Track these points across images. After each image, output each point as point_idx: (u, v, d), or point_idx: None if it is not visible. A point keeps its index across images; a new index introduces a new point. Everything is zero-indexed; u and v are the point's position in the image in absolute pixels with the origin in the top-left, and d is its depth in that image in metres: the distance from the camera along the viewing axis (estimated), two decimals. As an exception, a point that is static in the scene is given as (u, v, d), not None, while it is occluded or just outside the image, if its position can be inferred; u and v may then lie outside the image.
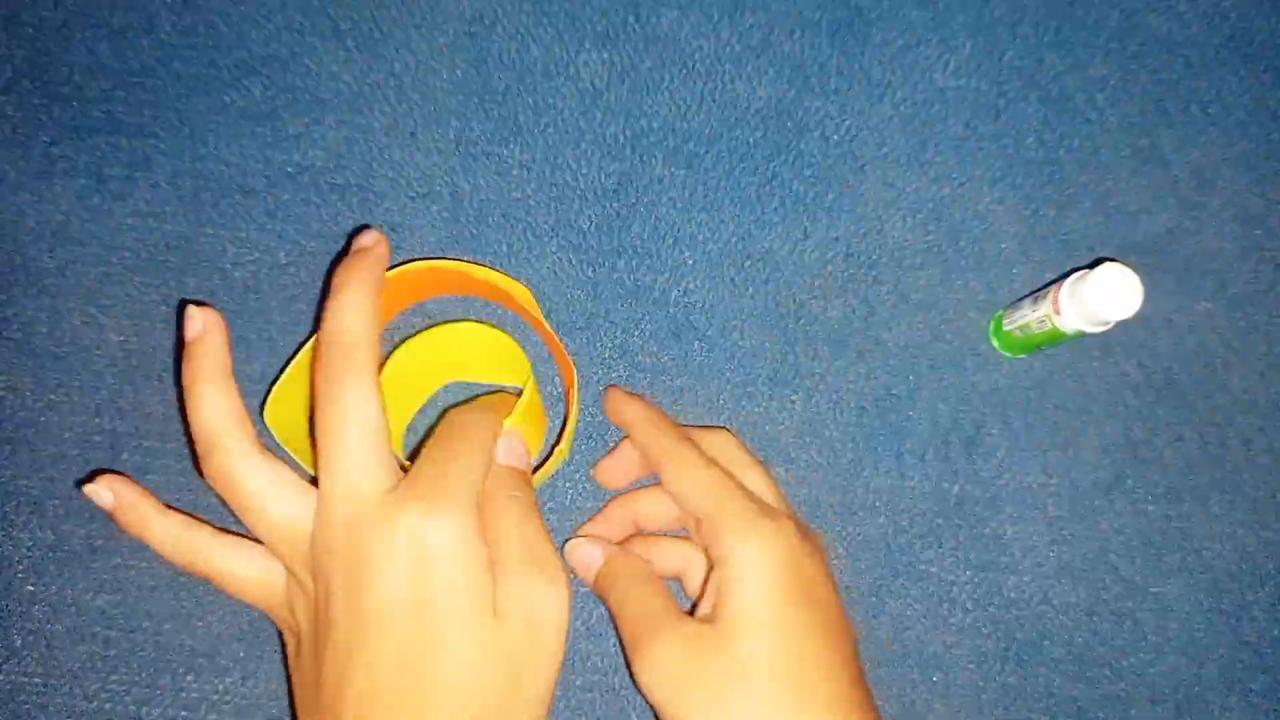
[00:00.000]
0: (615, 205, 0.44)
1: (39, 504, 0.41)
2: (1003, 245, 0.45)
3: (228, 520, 0.41)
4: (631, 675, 0.34)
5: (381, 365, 0.37)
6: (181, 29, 0.45)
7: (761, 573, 0.33)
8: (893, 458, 0.43)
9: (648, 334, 0.43)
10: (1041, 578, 0.43)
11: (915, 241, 0.45)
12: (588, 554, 0.38)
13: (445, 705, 0.28)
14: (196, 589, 0.40)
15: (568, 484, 0.42)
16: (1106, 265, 0.38)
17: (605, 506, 0.40)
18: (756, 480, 0.37)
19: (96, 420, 0.41)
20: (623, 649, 0.35)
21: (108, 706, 0.39)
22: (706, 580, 0.36)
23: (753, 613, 0.32)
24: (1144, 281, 0.38)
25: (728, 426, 0.42)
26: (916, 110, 0.46)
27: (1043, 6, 0.47)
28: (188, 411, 0.31)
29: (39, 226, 0.43)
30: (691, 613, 0.36)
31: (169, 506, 0.34)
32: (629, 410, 0.39)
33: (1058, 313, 0.39)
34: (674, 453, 0.36)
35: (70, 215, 0.43)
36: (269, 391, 0.36)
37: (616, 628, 0.36)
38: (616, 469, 0.41)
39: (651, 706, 0.33)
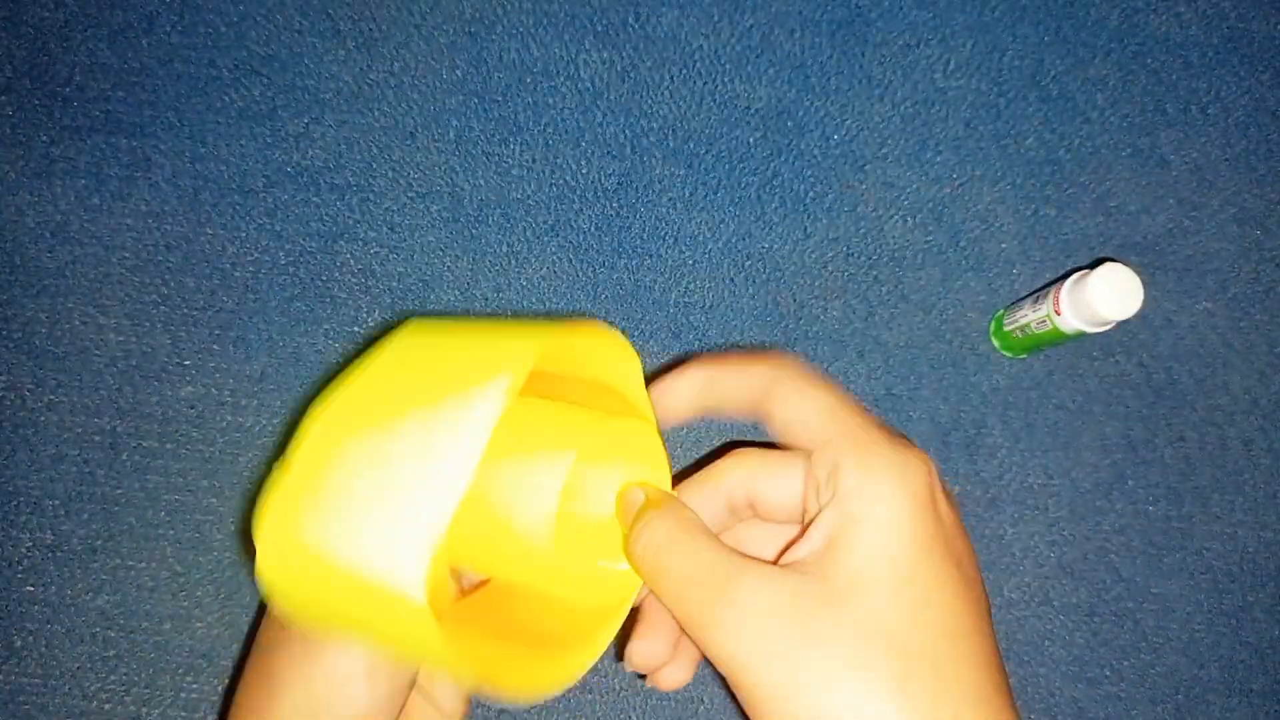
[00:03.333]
0: (615, 205, 0.44)
1: (39, 504, 0.41)
2: (1003, 245, 0.45)
3: (227, 529, 0.41)
4: (704, 644, 0.26)
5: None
6: (181, 29, 0.45)
7: (894, 516, 0.25)
8: (893, 458, 0.43)
9: (648, 334, 0.43)
10: (1042, 578, 0.42)
11: (915, 241, 0.45)
12: (633, 496, 0.30)
13: None
14: (196, 590, 0.40)
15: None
16: (1107, 265, 0.38)
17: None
18: (860, 408, 0.30)
19: (96, 420, 0.41)
20: (681, 625, 0.27)
21: (107, 707, 0.39)
22: (803, 529, 0.28)
23: (882, 567, 0.25)
24: (1144, 281, 0.38)
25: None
26: (916, 110, 0.46)
27: (1043, 6, 0.47)
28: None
29: (39, 226, 0.43)
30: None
31: None
32: (688, 373, 0.31)
33: (1058, 313, 0.39)
34: (779, 377, 0.29)
35: (70, 215, 0.43)
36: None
37: (663, 599, 0.27)
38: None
39: (730, 682, 0.25)
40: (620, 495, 0.29)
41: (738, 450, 0.31)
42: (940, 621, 0.25)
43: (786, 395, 0.28)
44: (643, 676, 0.31)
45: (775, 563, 0.26)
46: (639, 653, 0.30)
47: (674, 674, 0.30)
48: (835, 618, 0.24)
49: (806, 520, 0.28)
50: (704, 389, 0.30)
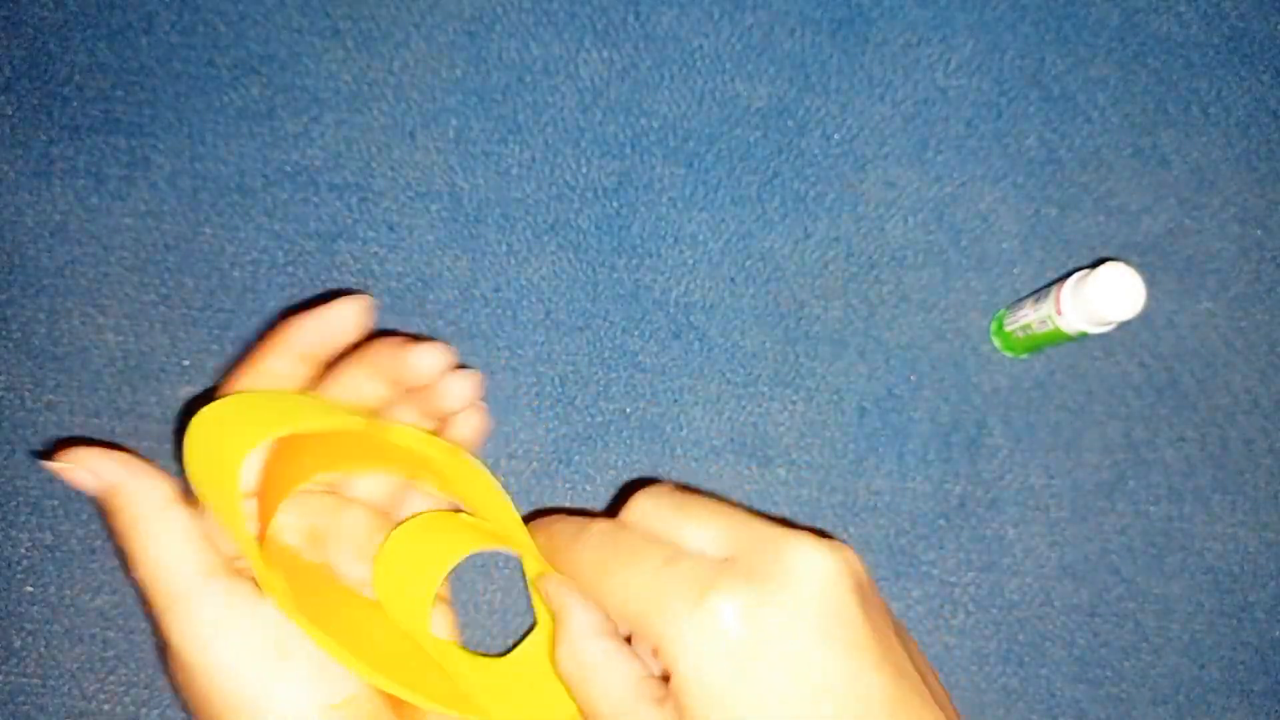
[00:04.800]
0: (615, 205, 0.44)
1: (38, 504, 0.40)
2: (1004, 245, 0.45)
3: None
4: None
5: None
6: (181, 29, 0.44)
7: (714, 684, 0.25)
8: (894, 458, 0.43)
9: (648, 334, 0.43)
10: (1043, 579, 0.42)
11: (916, 241, 0.45)
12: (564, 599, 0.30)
13: None
14: (195, 590, 0.40)
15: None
16: (1109, 265, 0.38)
17: None
18: (700, 527, 0.28)
19: (96, 420, 0.41)
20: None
21: (107, 707, 0.39)
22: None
23: None
24: (1146, 281, 0.37)
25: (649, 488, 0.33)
26: (917, 109, 0.46)
27: (1043, 6, 0.47)
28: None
29: (38, 226, 0.42)
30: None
31: None
32: (537, 535, 0.32)
33: (1060, 313, 0.39)
34: (570, 618, 0.29)
35: (70, 215, 0.43)
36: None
37: (575, 693, 0.28)
38: None
39: None
40: (542, 582, 0.30)
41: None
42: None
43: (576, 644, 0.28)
44: None
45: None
46: None
47: None
48: None
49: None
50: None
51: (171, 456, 0.41)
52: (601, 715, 0.27)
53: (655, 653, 0.26)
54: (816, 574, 0.26)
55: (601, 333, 0.43)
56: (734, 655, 0.25)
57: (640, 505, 0.30)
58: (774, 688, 0.25)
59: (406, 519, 0.33)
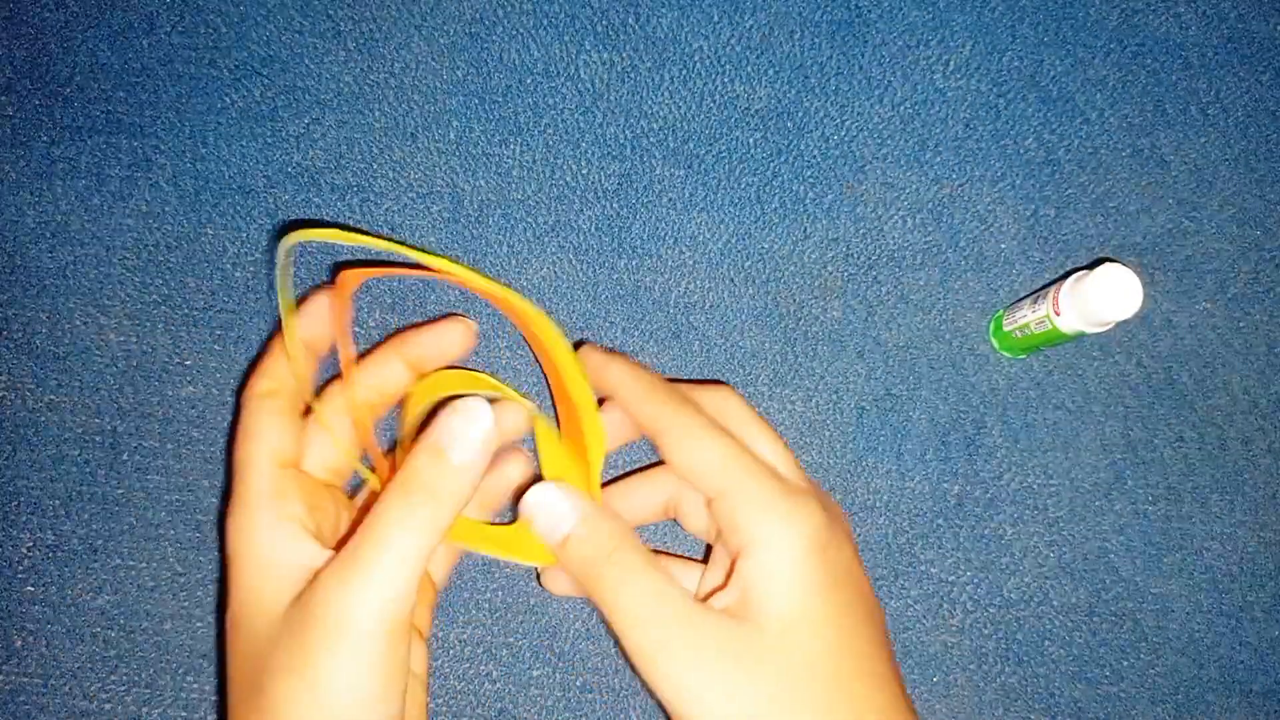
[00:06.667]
0: (615, 205, 0.44)
1: (39, 504, 0.41)
2: (1002, 245, 0.45)
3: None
4: (638, 674, 0.29)
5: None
6: (182, 30, 0.45)
7: (793, 563, 0.29)
8: (892, 458, 0.43)
9: (648, 334, 0.43)
10: (1041, 578, 0.43)
11: (914, 242, 0.45)
12: (557, 510, 0.31)
13: None
14: (196, 590, 0.40)
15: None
16: (1106, 266, 0.38)
17: None
18: (768, 446, 0.32)
19: (96, 420, 0.41)
20: (621, 646, 0.30)
21: (108, 707, 0.39)
22: (730, 570, 0.31)
23: (790, 611, 0.28)
24: (1144, 282, 0.38)
25: (727, 382, 0.38)
26: (916, 111, 0.46)
27: (1043, 7, 0.47)
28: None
29: (39, 226, 0.43)
30: (708, 597, 0.32)
31: None
32: (612, 372, 0.34)
33: (1057, 313, 0.39)
34: (677, 421, 0.31)
35: (70, 215, 0.43)
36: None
37: (607, 621, 0.30)
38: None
39: (672, 712, 0.29)
40: (534, 504, 0.32)
41: (613, 485, 0.36)
42: (849, 653, 0.29)
43: (679, 444, 0.31)
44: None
45: (705, 600, 0.30)
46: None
47: (560, 579, 0.35)
48: (765, 659, 0.28)
49: (713, 536, 0.33)
50: (615, 389, 0.34)
51: (172, 456, 0.41)
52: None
53: (730, 530, 0.30)
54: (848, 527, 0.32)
55: (601, 333, 0.43)
56: (821, 553, 0.29)
57: (729, 397, 0.33)
58: (843, 596, 0.29)
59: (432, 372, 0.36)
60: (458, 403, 0.29)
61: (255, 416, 0.31)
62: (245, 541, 0.29)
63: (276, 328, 0.33)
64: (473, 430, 0.29)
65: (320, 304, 0.33)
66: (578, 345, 0.36)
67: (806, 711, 0.28)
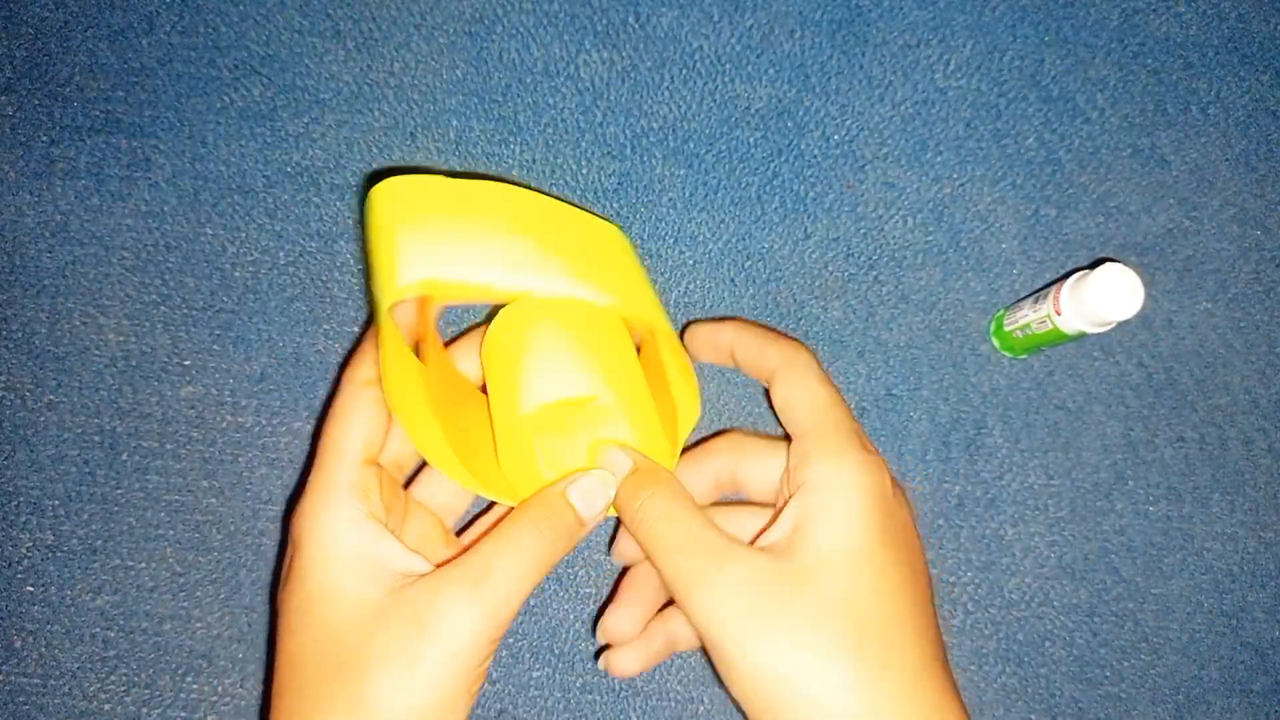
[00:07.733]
0: (615, 205, 0.44)
1: (39, 504, 0.41)
2: (1003, 245, 0.45)
3: (227, 529, 0.41)
4: (687, 602, 0.29)
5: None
6: (181, 29, 0.45)
7: (852, 507, 0.29)
8: (893, 458, 0.43)
9: (648, 334, 0.43)
10: (1042, 578, 0.42)
11: (915, 242, 0.45)
12: (615, 459, 0.33)
13: None
14: (196, 590, 0.40)
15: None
16: (1107, 266, 0.38)
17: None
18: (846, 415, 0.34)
19: (96, 420, 0.41)
20: (666, 584, 0.30)
21: (107, 707, 0.39)
22: (778, 511, 0.31)
23: (840, 550, 0.29)
24: (1145, 281, 0.38)
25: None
26: (916, 110, 0.46)
27: (1043, 6, 0.47)
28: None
29: (39, 226, 0.43)
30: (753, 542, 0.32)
31: None
32: (727, 328, 0.36)
33: (1058, 313, 0.39)
34: (794, 361, 0.33)
35: (70, 215, 0.43)
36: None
37: (654, 560, 0.31)
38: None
39: (707, 640, 0.29)
40: (599, 450, 0.33)
41: (730, 433, 0.36)
42: (889, 599, 0.28)
43: (790, 378, 0.33)
44: (598, 658, 0.37)
45: (751, 544, 0.30)
46: (612, 623, 0.35)
47: (628, 658, 0.35)
48: (802, 591, 0.28)
49: (780, 503, 0.33)
50: (732, 343, 0.35)
51: (172, 456, 0.41)
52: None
53: (800, 466, 0.31)
54: None
55: (601, 333, 0.43)
56: (882, 504, 0.30)
57: (801, 352, 0.34)
58: (892, 551, 0.30)
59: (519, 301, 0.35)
60: (598, 472, 0.32)
61: (355, 402, 0.32)
62: (327, 534, 0.30)
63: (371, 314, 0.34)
64: (600, 499, 0.32)
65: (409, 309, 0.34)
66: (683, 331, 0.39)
67: (835, 647, 0.28)
